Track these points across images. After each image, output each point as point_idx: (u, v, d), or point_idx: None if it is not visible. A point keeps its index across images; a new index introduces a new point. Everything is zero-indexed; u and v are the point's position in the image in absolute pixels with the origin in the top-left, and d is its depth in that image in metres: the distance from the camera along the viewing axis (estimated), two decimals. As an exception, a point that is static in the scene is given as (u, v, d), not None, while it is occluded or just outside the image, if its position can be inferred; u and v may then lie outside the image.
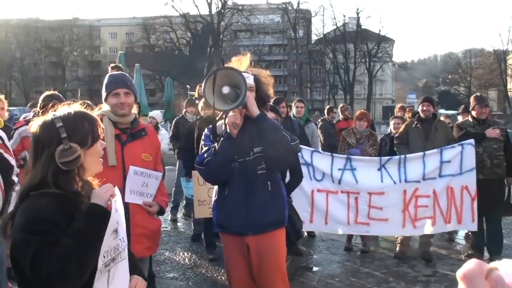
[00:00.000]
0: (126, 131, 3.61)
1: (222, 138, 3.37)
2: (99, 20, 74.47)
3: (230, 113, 3.27)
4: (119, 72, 3.79)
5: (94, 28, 71.94)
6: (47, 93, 5.61)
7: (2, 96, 5.63)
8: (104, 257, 1.96)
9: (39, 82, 64.16)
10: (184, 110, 8.78)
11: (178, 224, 8.62)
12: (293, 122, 6.64)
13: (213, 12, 60.09)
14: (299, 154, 5.93)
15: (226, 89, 3.19)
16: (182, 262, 6.46)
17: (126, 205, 3.48)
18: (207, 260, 6.40)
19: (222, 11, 60.30)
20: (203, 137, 3.64)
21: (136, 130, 3.68)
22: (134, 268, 2.39)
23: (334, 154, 6.31)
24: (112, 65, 10.13)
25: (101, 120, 3.62)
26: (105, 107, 3.67)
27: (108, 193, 2.07)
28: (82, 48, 69.31)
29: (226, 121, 3.31)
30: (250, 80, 3.44)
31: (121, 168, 3.50)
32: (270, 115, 4.55)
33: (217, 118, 3.53)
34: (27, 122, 5.34)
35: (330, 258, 6.67)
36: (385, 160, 6.17)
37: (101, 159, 2.25)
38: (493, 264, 1.03)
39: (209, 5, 59.66)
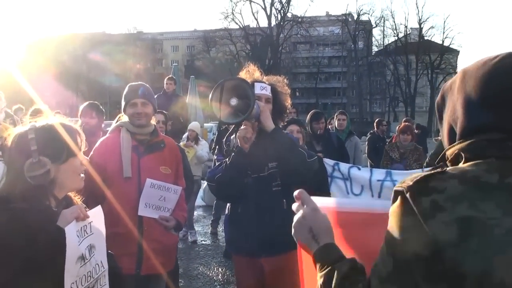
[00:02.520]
0: (144, 143, 3.50)
1: (233, 153, 3.18)
2: (162, 33, 76.49)
3: (242, 127, 3.09)
4: (139, 82, 3.71)
5: (156, 42, 73.96)
6: (86, 103, 5.63)
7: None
8: None
9: (104, 94, 66.60)
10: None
11: (218, 238, 8.46)
12: (331, 136, 6.36)
13: (272, 25, 60.35)
14: (336, 167, 5.67)
15: (234, 101, 3.01)
16: (214, 278, 6.28)
17: (140, 219, 3.37)
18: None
19: (282, 23, 60.45)
20: (216, 151, 3.51)
21: (154, 142, 3.56)
22: None
23: (373, 169, 5.99)
24: (168, 77, 10.27)
25: (119, 130, 3.54)
26: (124, 118, 3.60)
27: (73, 215, 1.90)
28: (145, 61, 71.31)
29: (237, 135, 3.12)
30: (267, 91, 3.30)
31: (136, 180, 3.38)
32: (294, 127, 4.33)
33: (229, 131, 3.37)
34: None
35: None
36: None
37: (81, 175, 2.12)
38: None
39: (269, 17, 59.98)
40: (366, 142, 8.87)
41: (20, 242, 1.79)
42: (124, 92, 3.58)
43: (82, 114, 5.50)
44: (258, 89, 3.26)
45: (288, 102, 3.48)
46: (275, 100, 3.36)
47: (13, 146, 2.01)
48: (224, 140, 3.55)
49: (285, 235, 3.16)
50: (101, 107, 5.72)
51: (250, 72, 3.39)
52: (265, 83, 3.34)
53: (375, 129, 9.70)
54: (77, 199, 2.21)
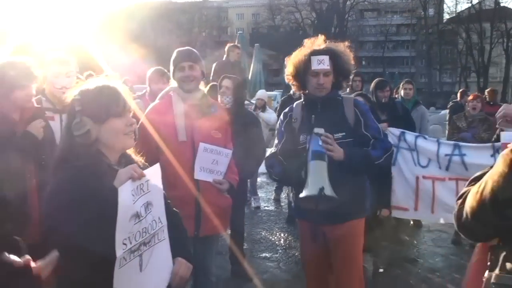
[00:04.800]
0: (195, 107, 3.57)
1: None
2: (227, 1, 76.36)
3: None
4: (186, 47, 3.74)
5: (222, 10, 73.98)
6: (153, 69, 5.77)
7: None
8: (124, 244, 1.90)
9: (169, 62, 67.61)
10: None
11: (281, 204, 8.59)
12: (396, 104, 6.24)
13: (339, -9, 58.95)
14: (402, 137, 5.58)
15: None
16: (276, 242, 6.43)
17: (197, 182, 3.49)
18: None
19: (349, -11, 58.95)
20: (278, 123, 3.59)
21: (205, 107, 3.63)
22: (181, 250, 2.33)
23: (441, 140, 5.83)
24: (230, 44, 10.30)
25: (171, 96, 3.62)
26: (173, 83, 3.66)
27: (127, 175, 2.00)
28: (210, 29, 71.70)
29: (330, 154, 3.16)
30: (324, 64, 3.30)
31: (191, 144, 3.47)
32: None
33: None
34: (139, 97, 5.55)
35: (433, 251, 6.26)
36: (500, 145, 5.55)
37: (128, 135, 2.18)
38: None
39: (335, -16, 58.62)
40: (447, 111, 8.71)
41: (78, 199, 1.90)
42: (172, 57, 3.62)
43: (150, 79, 5.63)
44: (315, 64, 3.29)
45: (352, 64, 3.47)
46: (336, 66, 3.36)
47: (67, 108, 2.18)
48: (287, 111, 3.60)
49: (349, 205, 3.22)
50: (166, 71, 5.80)
51: (313, 42, 3.42)
52: (323, 53, 3.32)
53: (459, 98, 9.53)
54: (138, 158, 2.30)
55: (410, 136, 5.69)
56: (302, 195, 3.15)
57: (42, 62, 3.84)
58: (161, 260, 2.19)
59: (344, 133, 3.27)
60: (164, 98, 3.68)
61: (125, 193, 1.94)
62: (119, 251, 1.88)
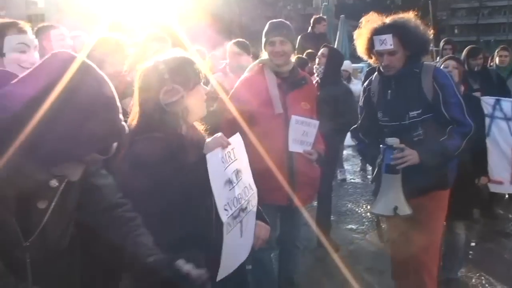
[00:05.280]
0: (287, 80, 3.60)
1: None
2: (312, -27, 75.14)
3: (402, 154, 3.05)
4: (279, 20, 3.75)
5: (307, -19, 72.94)
6: (234, 40, 5.78)
7: None
8: (226, 210, 1.98)
9: (256, 36, 67.88)
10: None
11: (367, 177, 8.47)
12: (490, 72, 5.92)
13: (429, -44, 56.09)
14: (497, 106, 5.30)
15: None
16: (363, 215, 6.39)
17: (289, 154, 3.54)
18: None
19: (440, -47, 55.93)
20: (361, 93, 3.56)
21: (296, 79, 3.66)
22: (258, 213, 2.40)
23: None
24: (316, 16, 10.20)
25: (262, 69, 3.66)
26: (264, 55, 3.69)
27: (216, 144, 2.07)
28: (295, 2, 71.00)
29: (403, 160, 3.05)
30: (387, 44, 3.10)
31: (284, 117, 3.52)
32: (450, 62, 4.12)
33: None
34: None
35: (532, 226, 5.95)
36: None
37: (204, 103, 2.24)
38: None
39: None
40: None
41: (165, 167, 1.95)
42: (265, 29, 3.64)
43: (230, 52, 5.63)
44: (377, 45, 3.14)
45: (429, 33, 3.26)
46: (405, 42, 3.13)
47: (144, 79, 2.16)
48: (366, 84, 3.51)
49: (425, 178, 3.09)
50: (248, 43, 5.77)
51: (368, 23, 3.23)
52: (385, 32, 3.11)
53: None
54: (201, 127, 2.37)
55: (506, 103, 5.38)
56: (374, 210, 3.20)
57: (137, 40, 3.99)
58: (251, 225, 2.27)
59: (420, 110, 3.12)
60: (255, 70, 3.72)
61: (216, 160, 2.02)
62: (224, 217, 1.96)
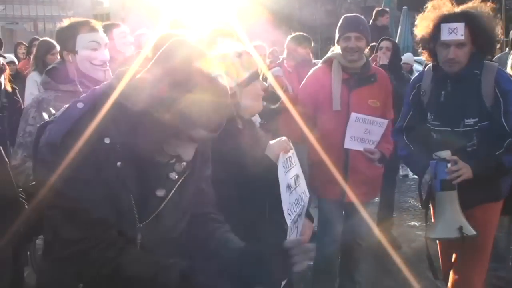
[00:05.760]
0: (355, 76, 3.57)
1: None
2: (373, -36, 73.79)
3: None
4: (354, 14, 3.75)
5: (368, -27, 71.69)
6: (292, 35, 5.72)
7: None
8: (289, 214, 1.98)
9: (315, 31, 67.42)
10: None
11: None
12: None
13: None
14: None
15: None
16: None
17: (346, 150, 3.51)
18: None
19: None
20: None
21: (366, 75, 3.60)
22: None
23: None
24: (378, 9, 10.03)
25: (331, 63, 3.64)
26: (336, 49, 3.68)
27: (280, 148, 2.09)
28: (355, -6, 69.92)
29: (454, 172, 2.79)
30: (457, 34, 2.76)
31: (345, 114, 3.51)
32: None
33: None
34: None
35: None
36: None
37: (260, 99, 2.27)
38: None
39: None
40: None
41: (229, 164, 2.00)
42: (339, 24, 3.62)
43: (288, 47, 5.58)
44: (445, 34, 2.78)
45: (499, 28, 2.98)
46: (476, 35, 2.83)
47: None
48: (416, 79, 3.22)
49: (480, 188, 2.83)
50: (308, 37, 5.70)
51: (436, 7, 2.92)
52: (457, 19, 2.80)
53: None
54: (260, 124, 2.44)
55: None
56: (434, 235, 2.94)
57: (201, 35, 4.06)
58: (303, 229, 2.26)
59: (476, 118, 2.83)
60: (325, 64, 3.70)
61: (280, 164, 2.05)
62: (288, 221, 1.97)
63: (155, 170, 1.60)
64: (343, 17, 3.73)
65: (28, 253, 4.13)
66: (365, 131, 3.51)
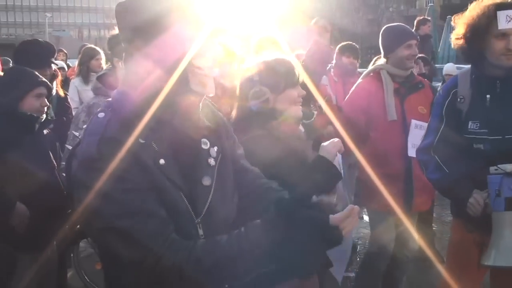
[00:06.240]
0: (405, 85, 3.56)
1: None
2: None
3: None
4: (397, 23, 3.75)
5: (410, -18, 70.88)
6: (340, 44, 5.63)
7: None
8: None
9: (356, 40, 66.91)
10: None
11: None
12: None
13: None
14: None
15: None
16: (469, 225, 6.07)
17: (409, 160, 3.46)
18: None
19: None
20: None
21: (414, 83, 3.61)
22: None
23: None
24: (420, 18, 9.91)
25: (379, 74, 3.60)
26: (380, 60, 3.66)
27: (335, 148, 2.09)
28: (398, 3, 69.18)
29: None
30: None
31: (401, 122, 3.50)
32: None
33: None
34: None
35: None
36: None
37: (298, 107, 2.26)
38: None
39: None
40: None
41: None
42: (393, 33, 3.64)
43: (338, 55, 5.49)
44: (503, 22, 2.45)
45: None
46: None
47: (241, 79, 2.28)
48: (449, 85, 2.84)
49: None
50: (355, 46, 5.65)
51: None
52: None
53: None
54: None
55: None
56: (492, 262, 2.42)
57: (247, 45, 4.11)
58: None
59: None
60: (371, 75, 3.70)
61: (336, 163, 2.12)
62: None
63: (195, 159, 1.58)
64: (390, 27, 3.72)
65: (72, 255, 4.22)
66: (421, 138, 3.48)
